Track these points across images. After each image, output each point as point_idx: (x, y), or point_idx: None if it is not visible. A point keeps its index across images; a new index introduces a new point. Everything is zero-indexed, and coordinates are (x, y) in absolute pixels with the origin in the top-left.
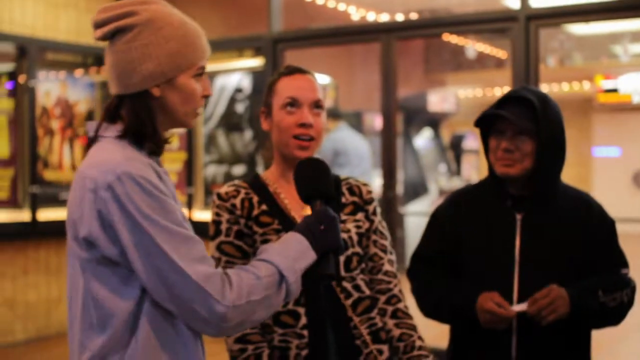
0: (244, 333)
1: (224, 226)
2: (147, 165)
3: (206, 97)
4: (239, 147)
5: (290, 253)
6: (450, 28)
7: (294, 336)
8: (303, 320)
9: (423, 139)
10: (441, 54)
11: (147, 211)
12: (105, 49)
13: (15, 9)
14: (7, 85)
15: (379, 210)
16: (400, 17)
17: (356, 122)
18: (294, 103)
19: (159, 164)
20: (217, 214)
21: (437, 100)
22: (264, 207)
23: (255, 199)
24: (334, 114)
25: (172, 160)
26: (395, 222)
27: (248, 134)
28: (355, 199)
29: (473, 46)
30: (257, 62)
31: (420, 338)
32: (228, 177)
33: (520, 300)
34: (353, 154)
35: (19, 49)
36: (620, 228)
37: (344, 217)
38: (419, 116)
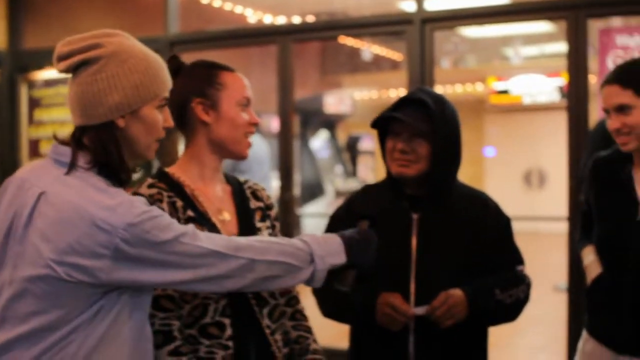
0: (176, 345)
1: None
2: (146, 200)
3: (166, 128)
4: None
5: (327, 247)
6: (347, 31)
7: (220, 347)
8: (228, 331)
9: (319, 141)
10: (337, 56)
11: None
12: (68, 80)
13: None
14: None
15: (276, 213)
16: (297, 20)
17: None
18: (247, 103)
19: None
20: None
21: (333, 102)
22: (189, 213)
23: (180, 203)
24: None
25: None
26: (292, 223)
27: None
28: (261, 204)
29: (369, 49)
30: None
31: (315, 341)
32: None
33: (417, 299)
34: (254, 158)
35: None
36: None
37: (258, 225)
38: (315, 118)
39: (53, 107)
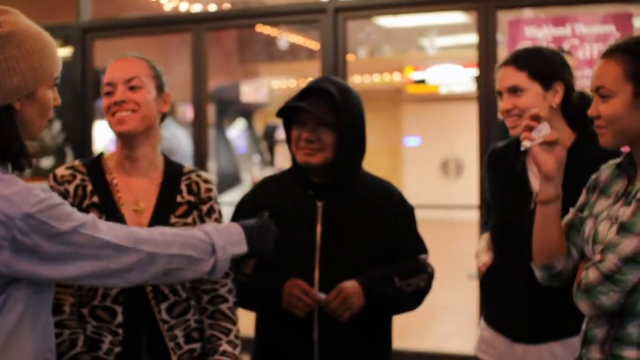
0: (62, 319)
1: None
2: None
3: (56, 107)
4: (47, 139)
5: (228, 236)
6: (260, 19)
7: (108, 332)
8: (119, 318)
9: (236, 130)
10: (254, 45)
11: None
12: None
13: None
14: None
15: (216, 208)
16: (213, 8)
17: (170, 112)
18: (110, 87)
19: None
20: None
21: (250, 91)
22: (95, 198)
23: (89, 187)
24: None
25: None
26: None
27: (57, 125)
28: (192, 198)
29: (286, 37)
30: (65, 51)
31: (230, 342)
32: (36, 171)
33: (321, 287)
34: (181, 152)
35: None
36: (428, 214)
37: (173, 220)
38: (233, 107)
39: None
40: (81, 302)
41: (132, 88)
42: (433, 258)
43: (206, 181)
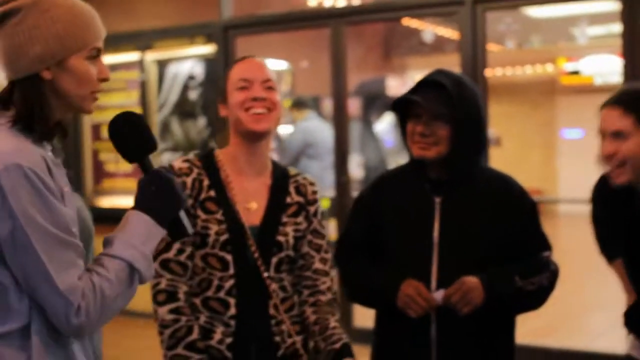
0: (178, 305)
1: None
2: (39, 158)
3: (103, 80)
4: (193, 134)
5: (137, 239)
6: (397, 13)
7: (221, 323)
8: (232, 310)
9: (384, 124)
10: (400, 38)
11: (28, 207)
12: None
13: None
14: None
15: (320, 210)
16: (352, 2)
17: (315, 107)
18: (245, 82)
19: (54, 152)
20: None
21: (396, 85)
22: (212, 192)
23: (206, 182)
24: (300, 103)
25: None
26: (348, 206)
27: (202, 120)
28: (301, 199)
29: (431, 30)
30: (208, 49)
31: (336, 321)
32: None
33: (438, 285)
34: (322, 145)
35: None
36: (585, 209)
37: (285, 219)
38: (379, 101)
39: (114, 91)
40: (193, 292)
41: (268, 88)
42: (590, 255)
43: (312, 184)
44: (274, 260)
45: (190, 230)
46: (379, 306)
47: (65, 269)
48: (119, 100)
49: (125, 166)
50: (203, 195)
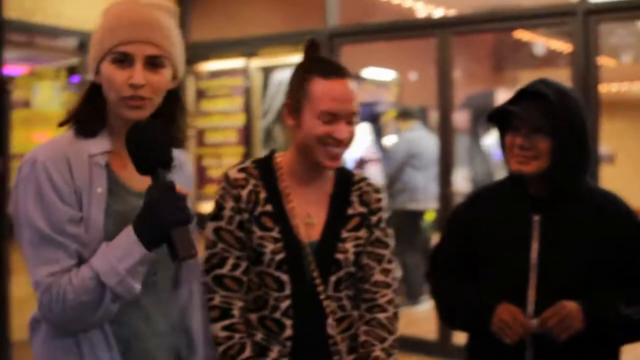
0: (232, 322)
1: (227, 212)
2: (60, 156)
3: (133, 86)
4: None
5: (114, 254)
6: (505, 23)
7: (276, 342)
8: (288, 332)
9: (493, 137)
10: (511, 50)
11: (27, 200)
12: None
13: (78, 3)
14: (71, 79)
15: (385, 217)
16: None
17: (421, 118)
18: (330, 116)
19: (102, 148)
20: (222, 197)
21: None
22: (268, 207)
23: (263, 194)
24: (406, 114)
25: (231, 155)
26: None
27: None
28: (363, 209)
29: (544, 43)
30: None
31: (384, 350)
32: None
33: (536, 309)
34: (427, 156)
35: (79, 44)
36: None
37: (345, 235)
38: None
39: (218, 97)
40: (249, 309)
41: (350, 122)
42: None
43: (377, 190)
44: (333, 278)
45: (188, 252)
46: (471, 328)
47: (40, 264)
48: (223, 106)
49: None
50: (259, 210)
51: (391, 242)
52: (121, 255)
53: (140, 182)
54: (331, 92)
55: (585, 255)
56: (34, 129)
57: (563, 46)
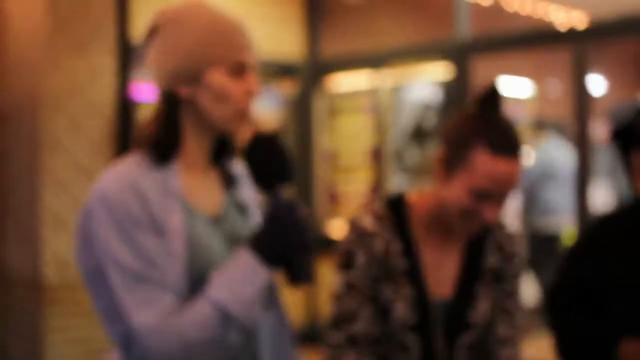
0: None
1: (359, 264)
2: (132, 187)
3: (250, 95)
4: (427, 159)
5: (236, 281)
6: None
7: None
8: None
9: None
10: None
11: (109, 240)
12: None
13: None
14: None
15: (521, 265)
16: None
17: (560, 131)
18: (487, 193)
19: (171, 175)
20: (352, 247)
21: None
22: (402, 261)
23: (396, 246)
24: (540, 125)
25: (360, 176)
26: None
27: (436, 146)
28: (499, 260)
29: None
30: (443, 70)
31: None
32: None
33: None
34: (563, 170)
35: None
36: None
37: (479, 292)
38: None
39: (349, 115)
40: None
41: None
42: None
43: (514, 238)
44: (465, 341)
45: (308, 277)
46: None
47: (140, 306)
48: (355, 124)
49: (360, 191)
50: (392, 263)
51: (520, 290)
52: (244, 281)
53: (207, 206)
54: (495, 172)
55: None
56: None
57: None
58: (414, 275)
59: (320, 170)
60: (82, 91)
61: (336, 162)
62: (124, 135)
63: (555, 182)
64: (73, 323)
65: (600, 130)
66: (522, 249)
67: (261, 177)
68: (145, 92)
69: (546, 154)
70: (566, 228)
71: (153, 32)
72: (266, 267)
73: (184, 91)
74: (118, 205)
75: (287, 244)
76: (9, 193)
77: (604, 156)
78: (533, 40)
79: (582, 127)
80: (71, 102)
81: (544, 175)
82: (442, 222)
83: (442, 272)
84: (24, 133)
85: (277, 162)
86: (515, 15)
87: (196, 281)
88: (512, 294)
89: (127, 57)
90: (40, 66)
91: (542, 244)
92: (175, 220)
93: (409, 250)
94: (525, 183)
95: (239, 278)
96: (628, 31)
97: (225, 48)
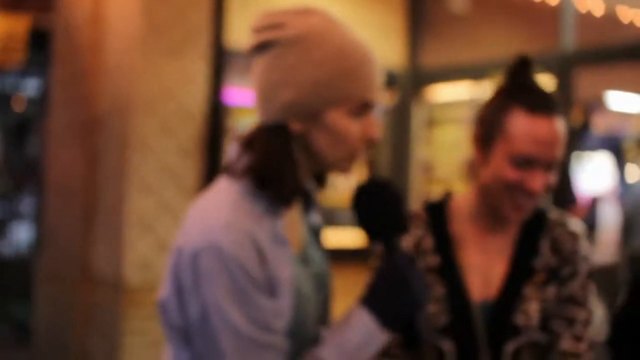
0: None
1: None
2: (249, 239)
3: (369, 142)
4: None
5: (351, 345)
6: None
7: None
8: None
9: None
10: None
11: (222, 300)
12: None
13: None
14: None
15: (583, 270)
16: None
17: None
18: (526, 159)
19: (283, 219)
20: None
21: None
22: (436, 258)
23: (429, 242)
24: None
25: (459, 189)
26: None
27: None
28: (555, 261)
29: None
30: (546, 82)
31: None
32: None
33: None
34: None
35: None
36: None
37: (528, 293)
38: None
39: (448, 126)
40: None
41: (549, 169)
42: None
43: (575, 237)
44: (510, 348)
45: (422, 337)
46: None
47: None
48: (449, 134)
49: None
50: (422, 263)
51: (590, 300)
52: (360, 343)
53: (293, 241)
54: (534, 132)
55: None
56: None
57: None
58: (449, 273)
59: (416, 181)
60: (174, 95)
61: (432, 173)
62: (214, 140)
63: None
64: (151, 326)
65: None
66: (585, 249)
67: (374, 227)
68: (238, 96)
69: None
70: None
71: (265, 46)
72: (385, 331)
73: (295, 125)
74: (236, 263)
75: (412, 304)
76: (99, 195)
77: None
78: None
79: None
80: (163, 106)
81: None
82: (488, 210)
83: (487, 271)
84: (115, 136)
85: (393, 211)
86: (630, 26)
87: (295, 333)
88: (574, 300)
89: (221, 62)
90: (135, 70)
91: None
92: (286, 274)
93: (444, 247)
94: (629, 205)
95: (356, 342)
96: None
97: (354, 86)
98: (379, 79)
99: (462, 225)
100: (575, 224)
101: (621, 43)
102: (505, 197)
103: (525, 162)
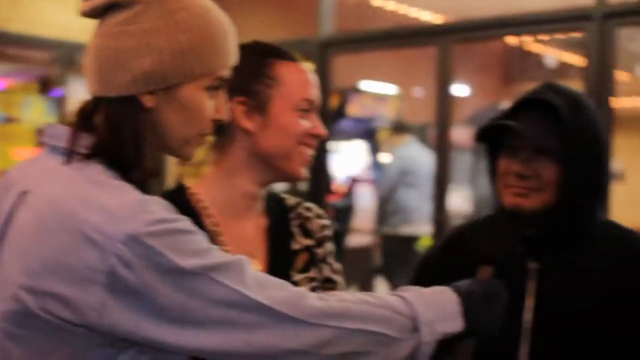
0: None
1: None
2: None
3: (218, 121)
4: None
5: (436, 307)
6: (513, 29)
7: None
8: None
9: None
10: (520, 63)
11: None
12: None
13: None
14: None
15: (331, 249)
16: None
17: (420, 135)
18: (308, 109)
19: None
20: None
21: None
22: None
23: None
24: (399, 128)
25: None
26: None
27: None
28: (309, 241)
29: (554, 55)
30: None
31: None
32: None
33: None
34: (422, 174)
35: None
36: None
37: (297, 277)
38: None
39: None
40: None
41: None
42: None
43: (319, 216)
44: None
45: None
46: None
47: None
48: None
49: None
50: None
51: (340, 279)
52: (445, 316)
53: None
54: (305, 77)
55: (595, 317)
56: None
57: (575, 59)
58: None
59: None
60: None
61: None
62: None
63: (414, 186)
64: None
65: (460, 135)
66: (330, 232)
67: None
68: None
69: (404, 157)
70: (423, 234)
71: (112, 7)
72: (463, 323)
73: (147, 99)
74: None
75: (488, 321)
76: None
77: (463, 161)
78: (395, 38)
79: (443, 130)
80: None
81: (402, 178)
82: (238, 189)
83: (255, 263)
84: None
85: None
86: (382, 14)
87: None
88: (331, 281)
89: None
90: None
91: (397, 248)
92: None
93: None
94: (383, 187)
95: (439, 310)
96: (493, 31)
97: (214, 58)
98: (235, 54)
99: (212, 216)
100: (316, 206)
101: (375, 30)
102: (296, 154)
103: (307, 109)
